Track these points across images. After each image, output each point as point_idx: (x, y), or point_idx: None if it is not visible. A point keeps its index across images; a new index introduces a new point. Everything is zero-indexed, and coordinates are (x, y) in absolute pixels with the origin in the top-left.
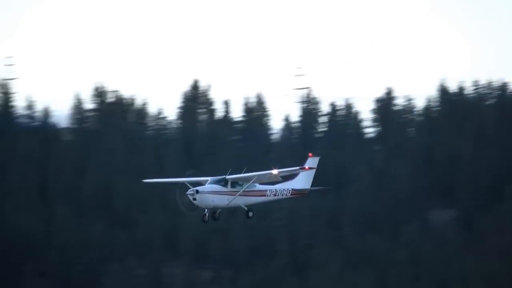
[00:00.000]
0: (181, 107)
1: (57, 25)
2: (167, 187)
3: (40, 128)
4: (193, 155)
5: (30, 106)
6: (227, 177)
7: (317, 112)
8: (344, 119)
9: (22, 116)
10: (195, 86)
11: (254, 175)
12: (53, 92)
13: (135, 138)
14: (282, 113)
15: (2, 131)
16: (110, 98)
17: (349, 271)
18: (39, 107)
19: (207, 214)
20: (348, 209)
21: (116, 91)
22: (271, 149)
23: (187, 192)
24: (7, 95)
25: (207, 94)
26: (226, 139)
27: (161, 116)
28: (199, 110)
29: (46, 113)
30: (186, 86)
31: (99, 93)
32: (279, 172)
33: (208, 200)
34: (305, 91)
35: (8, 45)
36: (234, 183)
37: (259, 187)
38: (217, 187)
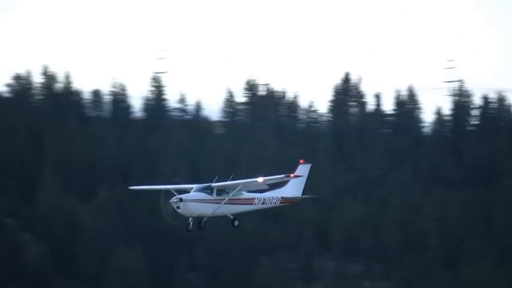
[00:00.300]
0: (332, 100)
1: (208, 20)
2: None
3: (192, 121)
4: (343, 148)
5: (182, 100)
6: (213, 184)
7: (469, 105)
8: (496, 112)
9: (174, 109)
10: (346, 79)
11: (239, 183)
12: (204, 86)
13: (286, 131)
14: (433, 106)
15: (154, 124)
16: (261, 92)
17: (502, 266)
18: (191, 100)
19: (191, 223)
20: (501, 202)
21: (267, 84)
22: (422, 142)
23: (170, 200)
24: (159, 89)
25: (358, 87)
26: (377, 132)
27: (312, 109)
28: (350, 103)
29: (198, 107)
30: (337, 79)
31: (251, 87)
32: (264, 180)
33: (192, 208)
34: (456, 84)
35: (161, 40)
36: (220, 191)
37: (246, 195)
38: (202, 195)
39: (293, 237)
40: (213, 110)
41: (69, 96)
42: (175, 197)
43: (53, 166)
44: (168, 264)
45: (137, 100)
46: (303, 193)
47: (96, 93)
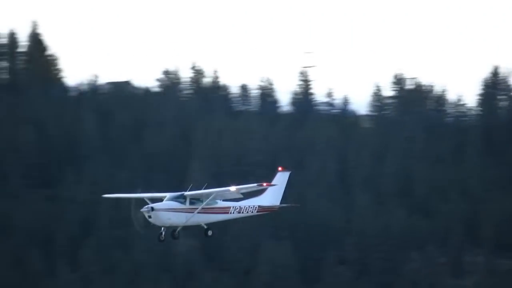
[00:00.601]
0: (480, 94)
1: (355, 14)
2: None
3: (339, 115)
4: (492, 143)
5: (329, 94)
6: (186, 193)
7: None
8: None
9: (322, 103)
10: (495, 73)
11: (212, 192)
12: (352, 80)
13: (433, 125)
14: None
15: (302, 118)
16: (409, 86)
17: None
18: (338, 94)
19: (163, 233)
20: None
21: (415, 78)
22: None
23: (142, 209)
24: (307, 83)
25: (507, 81)
26: None
27: (461, 103)
28: (499, 97)
29: (345, 101)
30: (486, 73)
31: (398, 81)
32: (237, 189)
33: (164, 218)
34: None
35: (308, 34)
36: (194, 200)
37: (221, 203)
38: (174, 204)
39: (442, 232)
40: (361, 104)
41: (217, 90)
42: (146, 206)
43: (201, 160)
44: (317, 258)
45: (284, 95)
46: (281, 202)
47: (244, 88)
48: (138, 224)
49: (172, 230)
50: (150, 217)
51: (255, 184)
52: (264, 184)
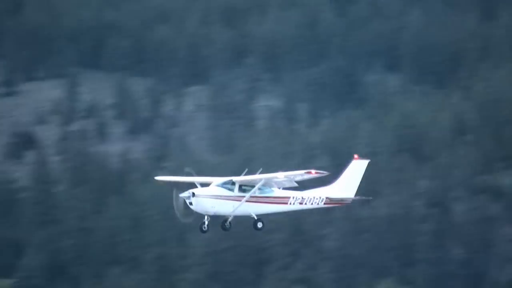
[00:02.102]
0: None
1: None
2: None
3: None
4: None
5: None
6: (234, 179)
7: None
8: None
9: None
10: None
11: (261, 178)
12: None
13: None
14: None
15: None
16: None
17: None
18: None
19: (206, 222)
20: None
21: None
22: None
23: (181, 195)
24: None
25: None
26: None
27: None
28: None
29: None
30: None
31: None
32: (286, 176)
33: (207, 205)
34: None
35: None
36: (245, 187)
37: (278, 192)
38: (220, 190)
39: None
40: None
41: None
42: (188, 191)
43: None
44: None
45: None
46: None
47: None
48: (178, 211)
49: (223, 220)
50: (191, 203)
51: (303, 172)
52: (313, 172)
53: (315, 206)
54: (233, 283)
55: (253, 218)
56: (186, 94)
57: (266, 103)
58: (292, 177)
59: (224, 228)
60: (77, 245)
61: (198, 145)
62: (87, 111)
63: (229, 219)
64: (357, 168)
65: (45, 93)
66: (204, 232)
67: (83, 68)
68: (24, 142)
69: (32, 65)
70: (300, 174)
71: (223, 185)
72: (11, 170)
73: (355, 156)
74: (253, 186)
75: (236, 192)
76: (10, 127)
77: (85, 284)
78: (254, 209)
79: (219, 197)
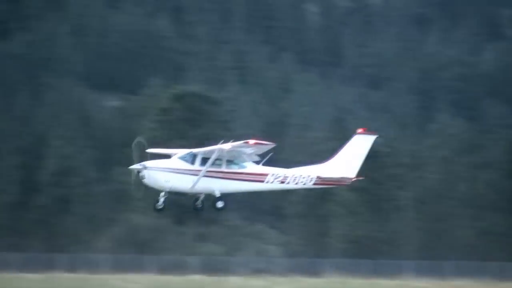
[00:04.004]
0: None
1: None
2: None
3: None
4: None
5: None
6: (194, 150)
7: None
8: None
9: None
10: None
11: (213, 149)
12: None
13: None
14: None
15: None
16: None
17: None
18: None
19: (161, 200)
20: None
21: None
22: None
23: (132, 167)
24: None
25: None
26: None
27: None
28: None
29: None
30: None
31: None
32: (233, 146)
33: (161, 179)
34: None
35: None
36: (207, 160)
37: (253, 168)
38: (177, 163)
39: None
40: None
41: None
42: (140, 163)
43: None
44: None
45: None
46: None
47: None
48: (135, 185)
49: (194, 199)
50: (143, 177)
51: (241, 142)
52: (250, 141)
53: (301, 186)
54: None
55: (215, 195)
56: None
57: None
58: (238, 148)
59: (195, 208)
60: None
61: None
62: None
63: (201, 198)
64: (360, 144)
65: None
66: (159, 211)
67: None
68: None
69: None
70: (241, 145)
71: (183, 157)
72: None
73: (359, 129)
74: (217, 159)
75: (197, 166)
76: None
77: None
78: (219, 186)
79: (175, 170)
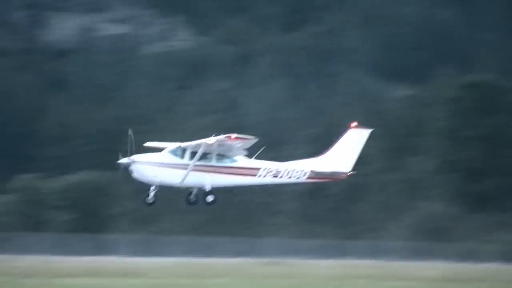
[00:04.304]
0: None
1: None
2: None
3: None
4: None
5: None
6: (183, 144)
7: None
8: None
9: None
10: None
11: (199, 143)
12: None
13: None
14: None
15: None
16: None
17: None
18: None
19: (151, 194)
20: None
21: None
22: None
23: (119, 161)
24: None
25: None
26: None
27: None
28: None
29: None
30: None
31: None
32: (217, 140)
33: (149, 174)
34: None
35: None
36: (195, 154)
37: (244, 162)
38: (166, 157)
39: None
40: None
41: None
42: (129, 157)
43: None
44: None
45: None
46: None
47: None
48: (121, 176)
49: (187, 193)
50: (131, 171)
51: (223, 136)
52: (232, 136)
53: (294, 180)
54: None
55: (205, 190)
56: None
57: None
58: (222, 142)
59: (189, 202)
60: None
61: None
62: None
63: (194, 191)
64: (354, 139)
65: None
66: (149, 205)
67: None
68: None
69: None
70: (222, 140)
71: (172, 151)
72: None
73: (352, 124)
74: (208, 154)
75: (186, 160)
76: None
77: None
78: (210, 181)
79: (164, 164)
